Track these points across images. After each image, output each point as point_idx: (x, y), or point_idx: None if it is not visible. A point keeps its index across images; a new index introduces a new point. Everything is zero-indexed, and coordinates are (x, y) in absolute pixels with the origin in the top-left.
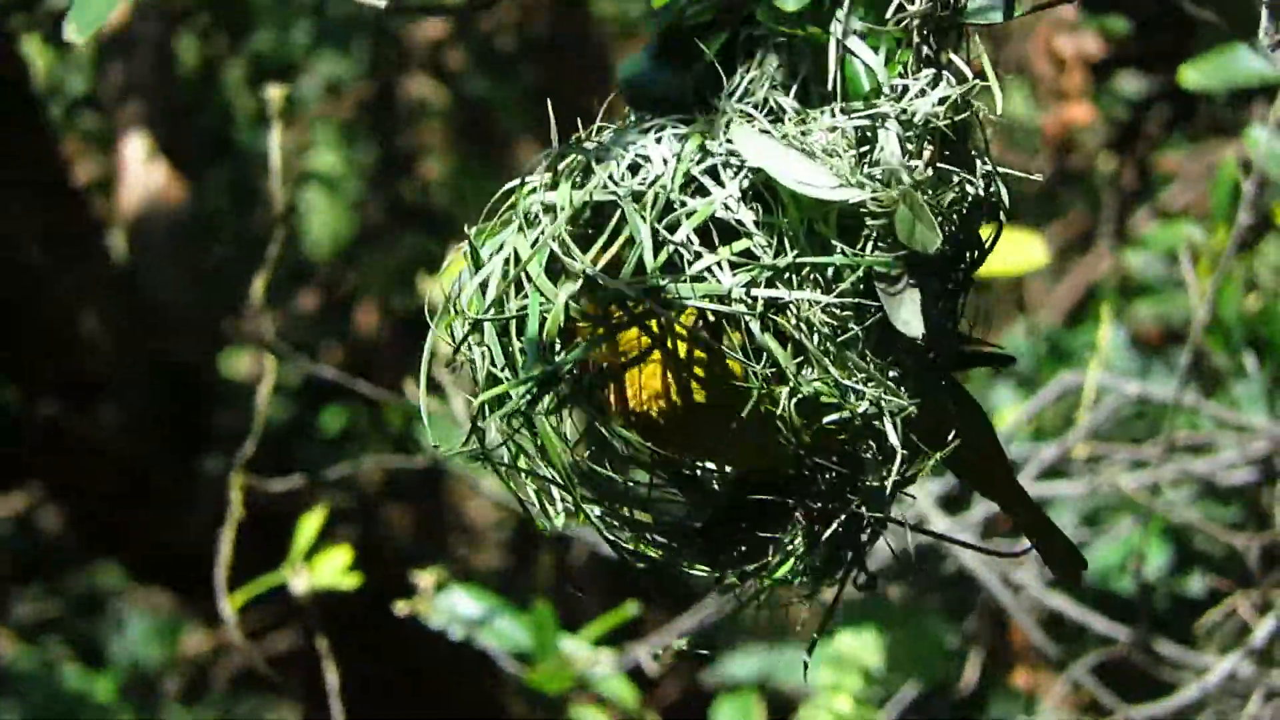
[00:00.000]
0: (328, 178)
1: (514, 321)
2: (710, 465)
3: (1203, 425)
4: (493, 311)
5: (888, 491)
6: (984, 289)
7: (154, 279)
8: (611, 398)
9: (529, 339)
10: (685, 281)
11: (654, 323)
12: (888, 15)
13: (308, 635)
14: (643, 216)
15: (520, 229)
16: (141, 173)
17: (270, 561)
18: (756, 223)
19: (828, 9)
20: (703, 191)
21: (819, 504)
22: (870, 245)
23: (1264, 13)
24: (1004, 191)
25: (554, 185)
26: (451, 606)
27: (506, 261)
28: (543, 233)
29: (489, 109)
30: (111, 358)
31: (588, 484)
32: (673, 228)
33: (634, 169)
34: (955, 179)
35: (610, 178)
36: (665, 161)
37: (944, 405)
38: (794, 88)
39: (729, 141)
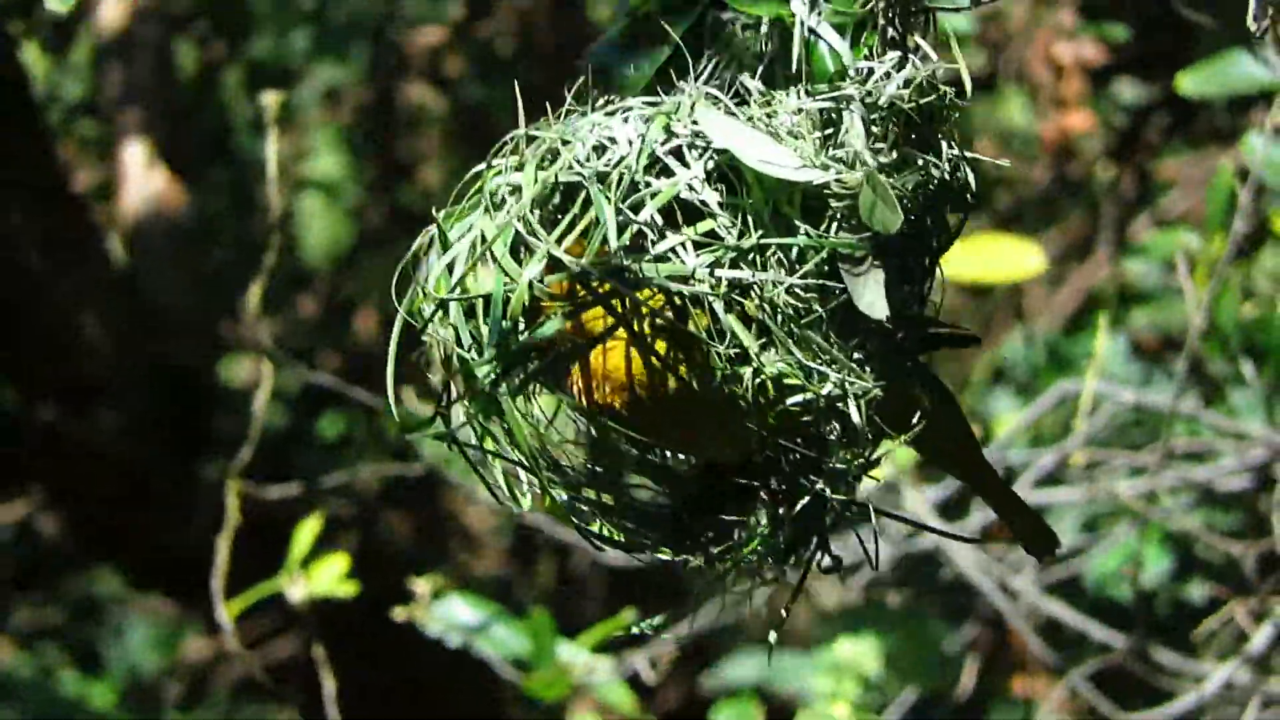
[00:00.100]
0: (326, 184)
1: (480, 303)
2: (675, 452)
3: (1201, 433)
4: (458, 292)
5: (851, 474)
6: (983, 296)
7: (154, 283)
8: (577, 383)
9: (493, 318)
10: (649, 261)
11: (618, 303)
12: None
13: (306, 642)
14: (607, 197)
15: (487, 211)
16: (141, 178)
17: (270, 568)
18: (721, 204)
19: None
20: (668, 172)
21: (784, 487)
22: (835, 227)
23: (1252, 2)
24: (970, 176)
25: (520, 167)
26: (449, 614)
27: (473, 243)
28: (508, 214)
29: (488, 115)
30: (111, 361)
31: (555, 468)
32: (637, 208)
33: (599, 150)
34: (920, 162)
35: (576, 159)
36: (630, 143)
37: (909, 387)
38: (760, 70)
39: (694, 123)
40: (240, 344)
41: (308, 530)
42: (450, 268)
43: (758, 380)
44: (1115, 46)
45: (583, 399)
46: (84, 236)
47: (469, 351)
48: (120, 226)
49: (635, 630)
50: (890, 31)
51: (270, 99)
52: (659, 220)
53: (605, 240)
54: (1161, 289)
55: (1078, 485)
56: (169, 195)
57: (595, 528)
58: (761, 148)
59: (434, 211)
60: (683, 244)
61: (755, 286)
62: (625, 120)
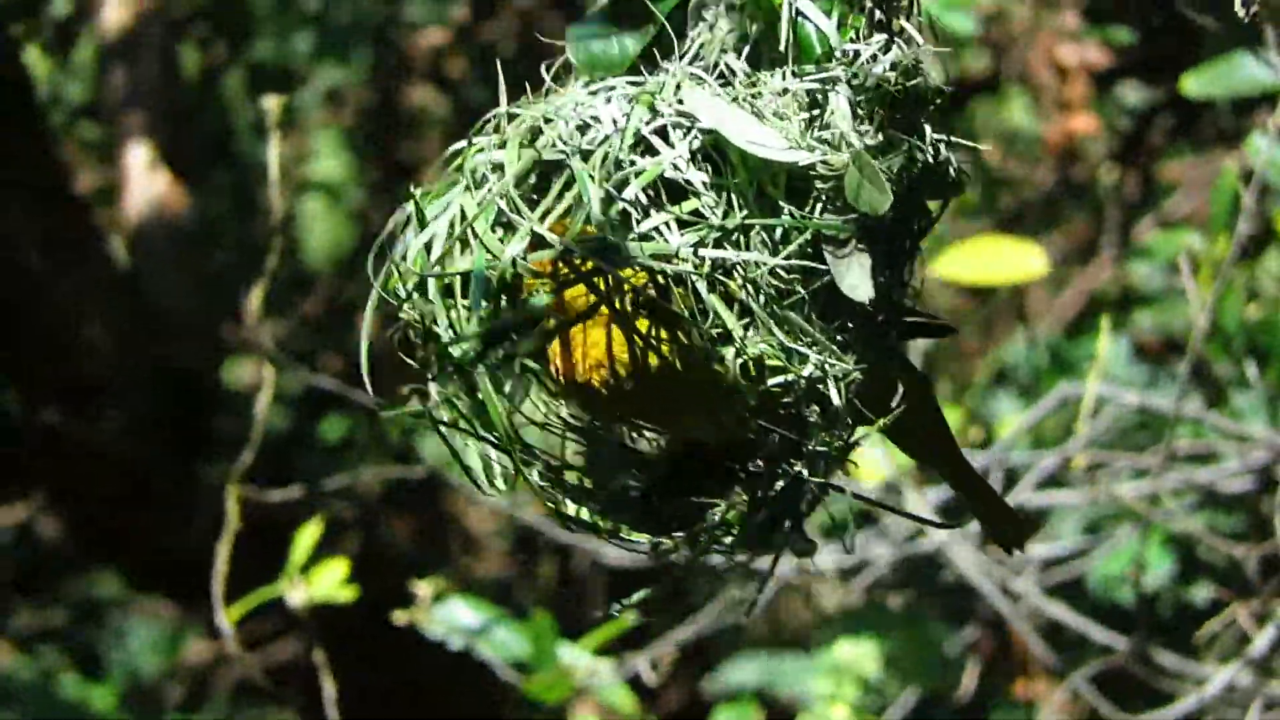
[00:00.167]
0: (329, 186)
1: (458, 281)
2: (651, 433)
3: (1204, 435)
4: (437, 269)
5: (829, 457)
6: (985, 298)
7: (156, 284)
8: (557, 362)
9: (473, 295)
10: (632, 240)
11: (601, 281)
12: None
13: (307, 645)
14: (591, 175)
15: (467, 188)
16: (144, 179)
17: (271, 570)
18: (705, 183)
19: None
20: (652, 152)
21: (760, 469)
22: (819, 208)
23: None
24: (953, 160)
25: (502, 145)
26: (450, 616)
27: (452, 220)
28: (490, 191)
29: None
30: (113, 363)
31: (528, 449)
32: (621, 187)
33: (583, 129)
34: (905, 145)
35: (559, 137)
36: (614, 122)
37: (888, 371)
38: (745, 51)
39: (679, 103)
40: (242, 346)
41: (308, 535)
42: (429, 245)
43: (739, 360)
44: (1119, 49)
45: (563, 377)
46: (85, 238)
47: (446, 330)
48: (122, 228)
49: (615, 612)
50: (877, 14)
51: (272, 102)
52: (643, 199)
53: (588, 218)
54: (1165, 291)
55: (1080, 488)
56: (171, 197)
57: (567, 510)
58: (748, 128)
59: (410, 189)
60: (666, 223)
61: (738, 267)
62: (609, 100)
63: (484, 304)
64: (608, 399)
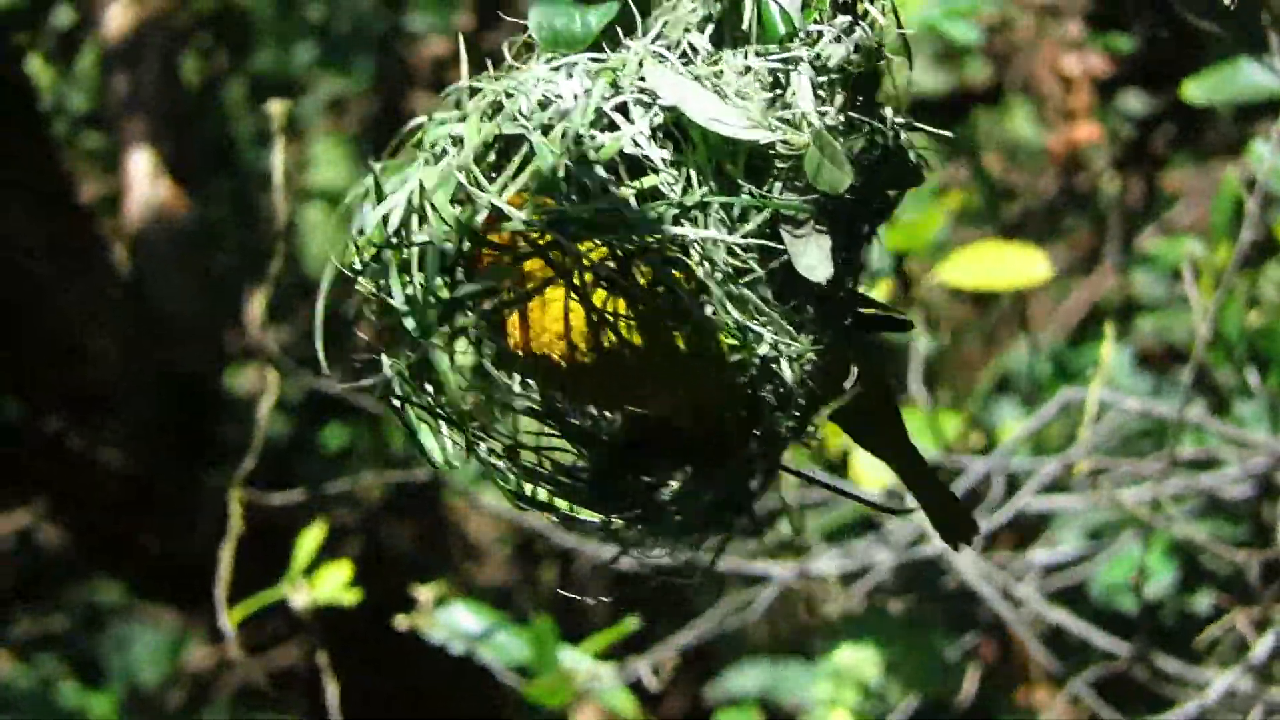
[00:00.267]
0: (330, 194)
1: (415, 256)
2: (603, 411)
3: (1205, 441)
4: (394, 241)
5: (781, 438)
6: (988, 306)
7: (159, 289)
8: (515, 335)
9: (430, 267)
10: (590, 214)
11: (557, 254)
12: None
13: (308, 651)
14: (551, 150)
15: (427, 162)
16: (146, 186)
17: (274, 576)
18: (665, 160)
19: None
20: (613, 127)
21: (712, 448)
22: (778, 188)
23: None
24: (913, 145)
25: (463, 119)
26: (452, 621)
27: (411, 193)
28: (449, 163)
29: None
30: (116, 369)
31: (483, 426)
32: (580, 161)
33: (544, 104)
34: (866, 128)
35: (520, 111)
36: (576, 97)
37: (843, 355)
38: (708, 30)
39: (641, 79)
40: (245, 351)
41: (311, 538)
42: (386, 218)
43: (695, 338)
44: (1121, 58)
45: (522, 351)
46: (89, 246)
47: (402, 303)
48: (125, 234)
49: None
50: None
51: (277, 106)
52: (603, 174)
53: (547, 192)
54: (1166, 299)
55: (1082, 493)
56: (173, 203)
57: (518, 488)
58: (710, 105)
59: (369, 162)
60: (625, 199)
61: (696, 244)
62: (570, 75)
63: (441, 275)
64: (567, 373)
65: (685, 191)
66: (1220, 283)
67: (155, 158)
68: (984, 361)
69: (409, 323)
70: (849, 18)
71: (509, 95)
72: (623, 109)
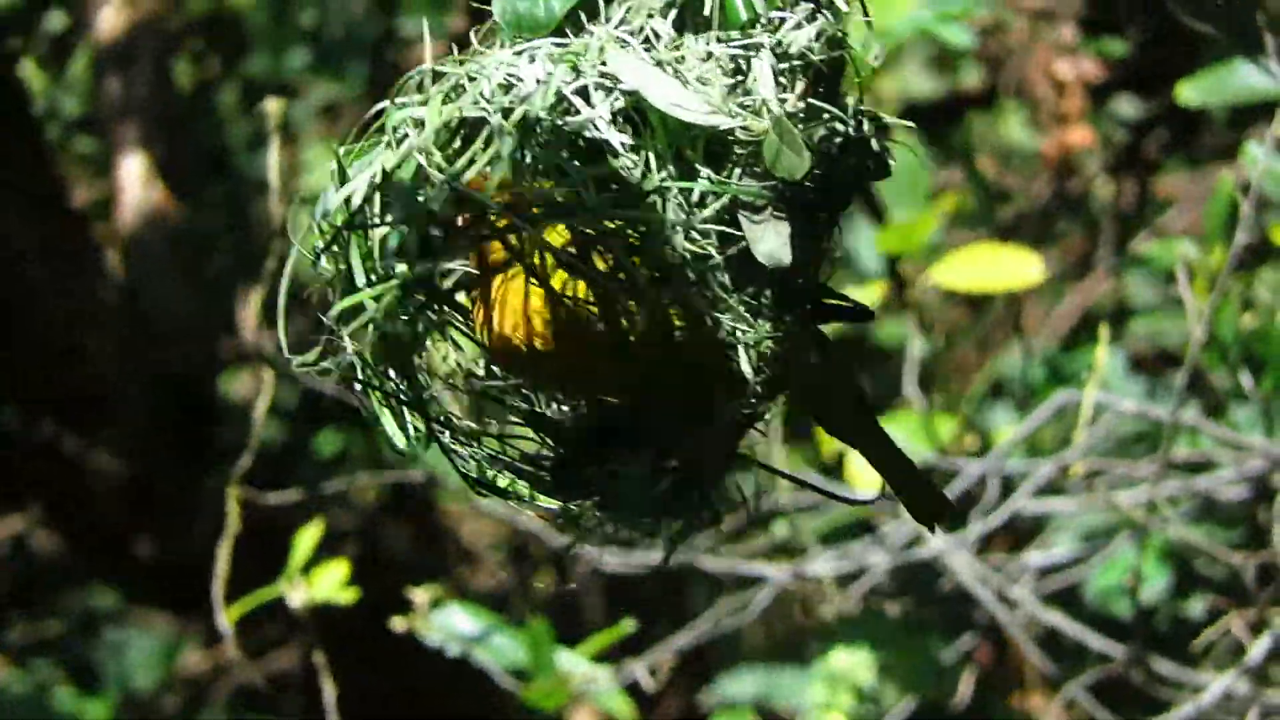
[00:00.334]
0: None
1: (376, 238)
2: (563, 398)
3: (1200, 444)
4: (356, 223)
5: (738, 425)
6: (982, 310)
7: (153, 293)
8: (476, 317)
9: (390, 249)
10: (549, 197)
11: (516, 238)
12: None
13: (305, 655)
14: (510, 133)
15: (389, 145)
16: (139, 191)
17: (270, 580)
18: (624, 145)
19: None
20: (574, 112)
21: (668, 435)
22: (737, 174)
23: None
24: (875, 135)
25: (425, 102)
26: (448, 623)
27: (373, 176)
28: (409, 145)
29: None
30: (111, 373)
31: (442, 410)
32: (542, 145)
33: (506, 88)
34: (826, 116)
35: (481, 95)
36: (537, 81)
37: (802, 342)
38: (671, 15)
39: (603, 64)
40: (240, 355)
41: (309, 536)
42: (348, 201)
43: (652, 323)
44: (1115, 62)
45: (485, 335)
46: (82, 250)
47: (363, 285)
48: (119, 237)
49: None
50: None
51: (272, 105)
52: (563, 158)
53: (506, 175)
54: (1159, 304)
55: (1077, 495)
56: (166, 206)
57: (479, 474)
58: (670, 91)
59: (334, 147)
60: (585, 181)
61: (655, 228)
62: (532, 60)
63: (401, 257)
64: (527, 357)
65: (644, 176)
66: (1215, 285)
67: (148, 162)
68: (978, 366)
69: (370, 304)
70: (812, 5)
71: (471, 79)
72: (583, 93)
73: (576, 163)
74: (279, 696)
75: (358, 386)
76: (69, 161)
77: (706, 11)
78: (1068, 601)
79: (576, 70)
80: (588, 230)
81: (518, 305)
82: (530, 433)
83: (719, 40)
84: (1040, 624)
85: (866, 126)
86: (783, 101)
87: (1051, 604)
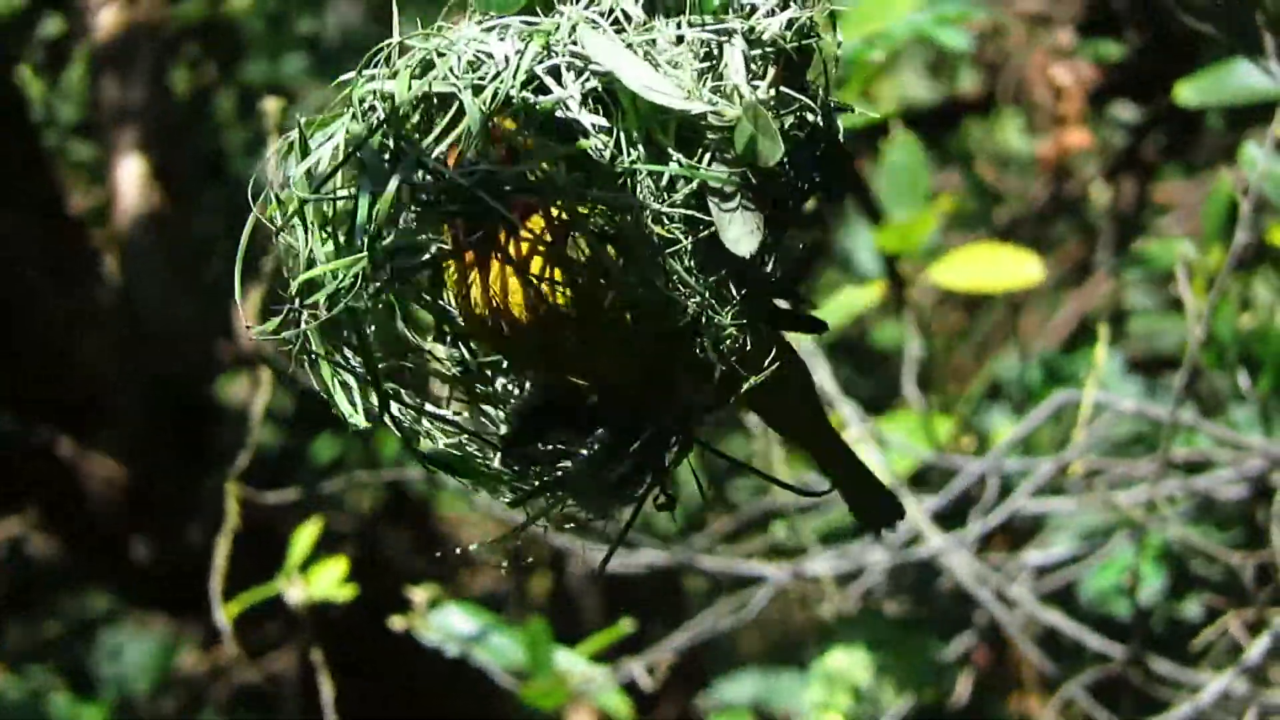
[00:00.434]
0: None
1: (339, 212)
2: (526, 376)
3: (1199, 444)
4: (317, 195)
5: (697, 411)
6: (980, 312)
7: (150, 298)
8: (454, 298)
9: (359, 223)
10: (519, 176)
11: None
12: None
13: (302, 655)
14: (480, 109)
15: (355, 118)
16: (136, 196)
17: (268, 581)
18: (595, 126)
19: None
20: (544, 91)
21: (627, 418)
22: (707, 159)
23: None
24: (841, 126)
25: (393, 76)
26: (446, 623)
27: (336, 148)
28: (378, 119)
29: None
30: (108, 377)
31: (398, 389)
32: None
33: (475, 64)
34: (795, 105)
35: (451, 70)
36: (507, 59)
37: (762, 333)
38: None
39: (574, 44)
40: (238, 354)
41: (307, 534)
42: (310, 173)
43: (618, 305)
44: (1112, 66)
45: (459, 312)
46: (80, 255)
47: (323, 259)
48: (116, 241)
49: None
50: None
51: (270, 104)
52: (533, 137)
53: (475, 151)
54: (1157, 307)
55: (1076, 495)
56: (163, 210)
57: (430, 451)
58: (644, 74)
59: (297, 118)
60: (554, 161)
61: (623, 210)
62: (503, 37)
63: (362, 232)
64: (503, 337)
65: (614, 158)
66: (1213, 285)
67: (145, 167)
68: (976, 369)
69: (328, 279)
70: None
71: (440, 54)
72: (554, 73)
73: (547, 142)
74: (277, 697)
75: (312, 359)
76: (66, 167)
77: None
78: (1066, 601)
79: (548, 49)
80: (556, 210)
81: (495, 284)
82: (486, 410)
83: (690, 24)
84: (1039, 623)
85: (837, 123)
86: (755, 89)
87: (1050, 604)
